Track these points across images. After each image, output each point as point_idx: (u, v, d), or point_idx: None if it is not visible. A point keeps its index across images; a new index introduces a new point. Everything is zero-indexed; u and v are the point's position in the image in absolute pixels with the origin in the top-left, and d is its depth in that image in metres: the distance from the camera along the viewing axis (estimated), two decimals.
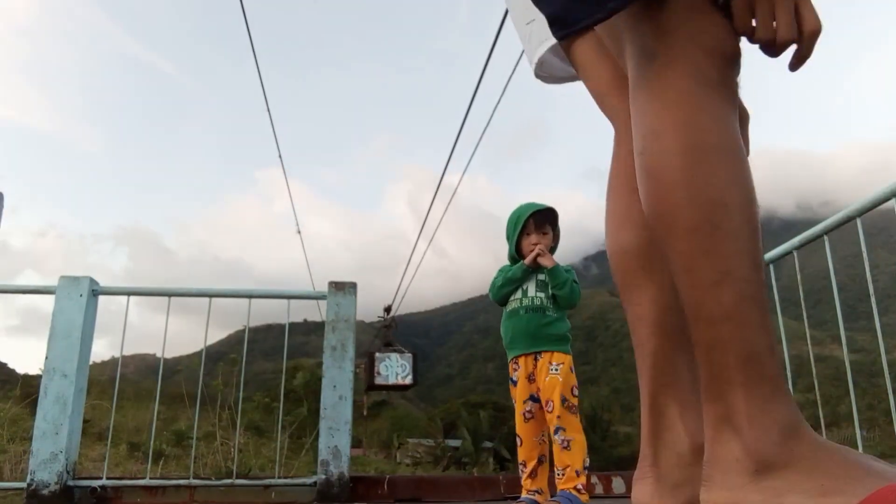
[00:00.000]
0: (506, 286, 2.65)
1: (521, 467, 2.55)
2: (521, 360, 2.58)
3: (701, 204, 0.74)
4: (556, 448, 2.43)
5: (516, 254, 2.70)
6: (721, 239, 0.73)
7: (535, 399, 2.55)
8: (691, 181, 0.75)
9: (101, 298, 3.37)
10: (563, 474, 2.38)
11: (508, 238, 2.74)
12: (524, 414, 2.53)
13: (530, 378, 2.56)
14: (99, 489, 3.07)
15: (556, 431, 2.41)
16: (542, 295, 2.62)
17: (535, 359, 2.56)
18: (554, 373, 2.50)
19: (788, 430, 0.69)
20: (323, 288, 3.50)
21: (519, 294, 2.64)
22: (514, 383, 2.59)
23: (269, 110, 7.13)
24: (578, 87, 1.22)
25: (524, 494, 2.52)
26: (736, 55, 0.81)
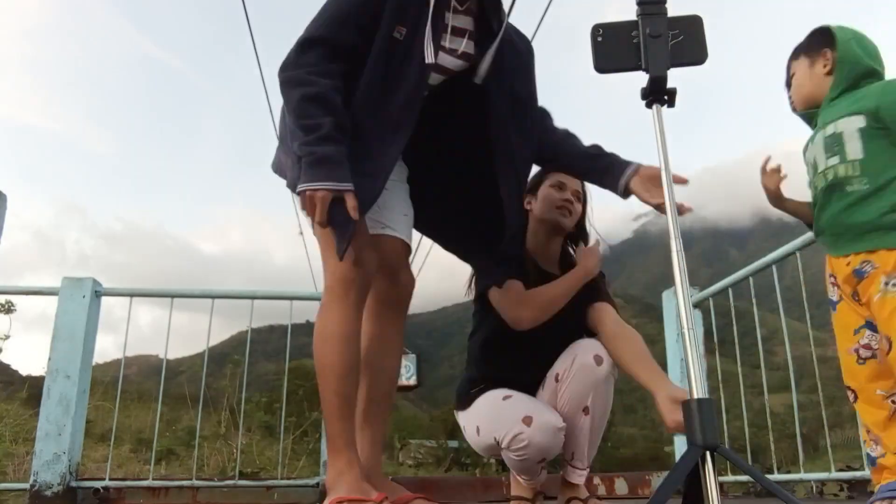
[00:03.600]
0: None
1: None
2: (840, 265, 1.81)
3: (317, 364, 1.54)
4: None
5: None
6: (321, 383, 1.53)
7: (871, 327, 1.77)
8: (315, 352, 1.54)
9: (104, 299, 3.38)
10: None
11: None
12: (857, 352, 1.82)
13: (854, 296, 1.80)
14: (102, 490, 3.08)
15: None
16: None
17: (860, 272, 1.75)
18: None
19: (335, 471, 1.48)
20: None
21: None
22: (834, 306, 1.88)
23: (270, 107, 7.11)
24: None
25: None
26: (352, 279, 1.52)
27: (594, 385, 1.85)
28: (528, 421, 1.79)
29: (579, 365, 1.86)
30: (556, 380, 1.91)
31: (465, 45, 1.63)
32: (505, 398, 1.90)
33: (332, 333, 1.52)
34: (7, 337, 5.17)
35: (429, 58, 1.51)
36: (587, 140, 1.88)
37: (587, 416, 1.88)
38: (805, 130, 1.99)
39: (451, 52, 1.61)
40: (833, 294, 1.89)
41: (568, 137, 1.89)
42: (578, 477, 1.96)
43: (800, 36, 2.01)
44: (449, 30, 1.59)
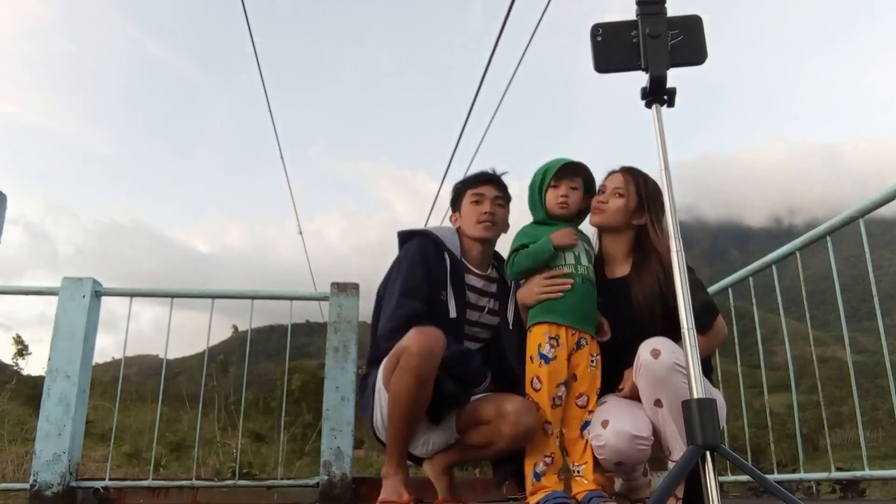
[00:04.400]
0: (531, 268, 2.23)
1: (545, 459, 2.14)
2: (565, 335, 2.15)
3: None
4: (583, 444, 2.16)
5: (546, 214, 2.27)
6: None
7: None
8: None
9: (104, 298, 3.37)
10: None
11: (532, 200, 2.28)
12: (554, 399, 2.14)
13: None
14: (102, 490, 3.08)
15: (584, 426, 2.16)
16: (592, 268, 2.26)
17: (579, 343, 2.17)
18: (593, 367, 2.18)
19: (384, 473, 2.30)
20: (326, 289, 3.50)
21: (571, 259, 2.22)
22: (548, 361, 2.14)
23: (269, 108, 7.13)
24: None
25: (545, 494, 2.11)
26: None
27: (656, 380, 1.97)
28: (605, 424, 2.06)
29: (640, 364, 2.01)
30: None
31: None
32: (600, 403, 2.18)
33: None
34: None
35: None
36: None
37: (661, 408, 2.00)
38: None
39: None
40: None
41: None
42: None
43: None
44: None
